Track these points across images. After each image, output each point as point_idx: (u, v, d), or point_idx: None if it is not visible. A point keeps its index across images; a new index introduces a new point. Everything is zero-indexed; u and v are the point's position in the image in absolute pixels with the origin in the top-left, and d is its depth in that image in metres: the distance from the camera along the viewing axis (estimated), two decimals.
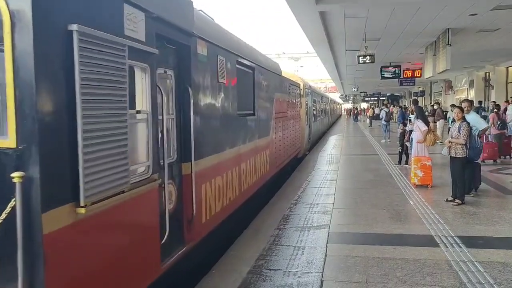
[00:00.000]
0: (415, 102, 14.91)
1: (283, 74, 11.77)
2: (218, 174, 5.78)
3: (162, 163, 4.09)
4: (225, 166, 6.08)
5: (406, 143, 12.50)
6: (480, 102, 21.39)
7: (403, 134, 12.75)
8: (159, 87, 4.04)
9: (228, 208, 6.22)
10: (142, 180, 3.70)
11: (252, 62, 7.91)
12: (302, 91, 15.44)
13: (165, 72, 4.42)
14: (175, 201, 4.54)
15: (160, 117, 4.11)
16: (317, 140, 22.88)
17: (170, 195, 4.39)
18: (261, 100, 8.64)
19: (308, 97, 17.37)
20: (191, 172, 4.74)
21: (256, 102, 8.12)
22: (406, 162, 12.38)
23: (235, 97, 6.60)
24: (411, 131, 12.01)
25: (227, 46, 6.22)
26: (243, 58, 7.22)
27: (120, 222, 3.44)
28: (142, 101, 3.81)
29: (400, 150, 12.80)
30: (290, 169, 13.13)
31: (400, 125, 13.76)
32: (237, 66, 6.80)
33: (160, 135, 4.10)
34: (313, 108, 20.35)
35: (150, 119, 3.83)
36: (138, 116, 3.78)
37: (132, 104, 3.67)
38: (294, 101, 13.51)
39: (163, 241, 4.03)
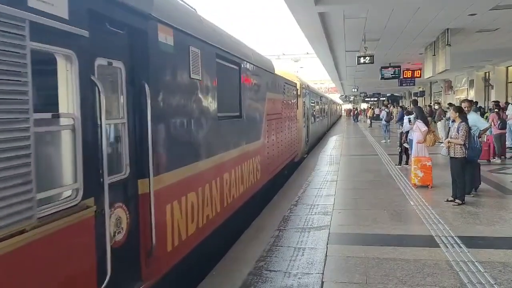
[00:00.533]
0: (415, 103, 14.91)
1: (277, 73, 10.88)
2: (191, 189, 4.77)
3: (102, 182, 3.13)
4: (201, 179, 5.10)
5: (404, 144, 12.53)
6: (476, 103, 21.30)
7: (402, 134, 12.75)
8: (96, 83, 3.08)
9: (206, 229, 5.21)
10: (64, 209, 2.77)
11: (238, 57, 6.96)
12: (299, 91, 14.68)
13: (109, 63, 3.43)
14: (126, 229, 3.57)
15: (99, 122, 3.15)
16: (316, 142, 22.10)
17: (119, 222, 3.46)
18: (250, 101, 7.69)
19: (306, 97, 16.64)
20: (150, 190, 3.74)
21: (243, 102, 7.16)
22: (406, 163, 12.38)
23: (215, 97, 5.63)
24: (407, 132, 12.07)
25: (203, 37, 5.26)
26: (226, 51, 6.24)
27: (24, 275, 2.44)
28: (67, 101, 2.87)
29: (400, 151, 12.81)
30: (287, 173, 12.45)
31: (400, 125, 13.81)
32: (217, 60, 5.81)
33: (100, 145, 3.14)
34: (312, 109, 19.62)
35: (79, 124, 2.89)
36: (59, 121, 2.86)
37: (49, 105, 2.85)
38: (290, 101, 12.68)
39: (103, 286, 3.08)
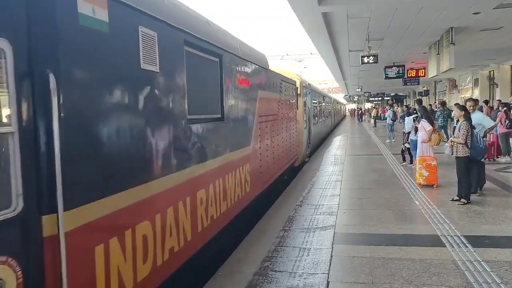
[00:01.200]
0: (419, 102, 14.88)
1: (273, 69, 9.91)
2: (142, 218, 3.56)
3: None
4: (158, 204, 3.86)
5: (405, 144, 12.62)
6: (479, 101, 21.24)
7: (404, 134, 12.92)
8: None
9: (167, 266, 3.98)
10: None
11: (219, 47, 5.69)
12: (298, 90, 13.70)
13: None
14: None
15: None
16: (319, 144, 21.02)
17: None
18: (236, 100, 6.46)
19: (306, 97, 15.67)
20: (58, 231, 2.58)
21: (225, 102, 5.91)
22: (411, 162, 12.39)
23: (183, 94, 4.48)
24: (409, 133, 12.26)
25: (163, 16, 4.06)
26: (200, 39, 5.01)
27: None
28: None
29: (403, 149, 12.93)
30: (287, 178, 11.59)
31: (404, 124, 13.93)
32: (186, 49, 4.63)
33: None
34: (314, 109, 18.62)
35: None
36: None
37: None
38: (288, 101, 11.63)
39: None
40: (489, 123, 9.49)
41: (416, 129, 11.66)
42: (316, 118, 19.80)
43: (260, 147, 7.97)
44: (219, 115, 5.81)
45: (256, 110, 7.72)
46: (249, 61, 7.39)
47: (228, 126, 6.10)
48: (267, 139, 8.56)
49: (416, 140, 11.74)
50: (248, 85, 7.26)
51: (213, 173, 5.34)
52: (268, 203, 8.64)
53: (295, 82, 13.35)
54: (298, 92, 13.62)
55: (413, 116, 12.37)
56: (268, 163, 8.66)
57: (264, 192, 8.32)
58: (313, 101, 18.60)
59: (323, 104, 24.81)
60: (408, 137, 12.37)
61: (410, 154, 12.49)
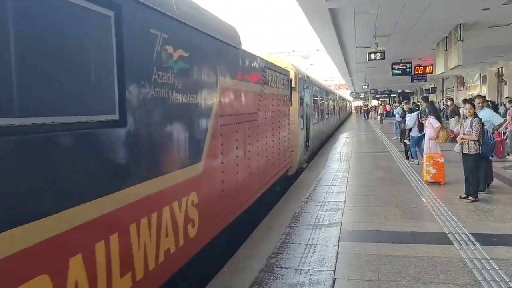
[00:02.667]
0: (425, 99, 14.82)
1: (250, 52, 7.27)
2: None
3: None
4: None
5: (405, 140, 12.83)
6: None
7: (404, 131, 13.08)
8: None
9: None
10: None
11: None
12: (294, 82, 11.43)
13: None
14: None
15: None
16: (321, 146, 18.73)
17: None
18: (157, 89, 3.78)
19: (305, 91, 13.44)
20: None
21: (130, 92, 3.35)
22: (407, 158, 12.86)
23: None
24: (410, 129, 12.34)
25: None
26: None
27: None
28: None
29: (404, 145, 13.22)
30: (279, 188, 9.66)
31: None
32: None
33: None
34: (314, 106, 16.38)
35: None
36: None
37: None
38: (278, 95, 9.20)
39: None
40: (498, 120, 9.41)
41: (419, 126, 11.65)
42: (318, 116, 17.57)
43: (223, 163, 5.40)
44: (114, 116, 3.17)
45: (214, 107, 5.09)
46: (195, 29, 4.67)
47: (135, 135, 3.44)
48: (237, 148, 6.08)
49: (417, 137, 11.88)
50: (197, 67, 4.66)
51: (99, 225, 2.91)
52: (242, 238, 6.18)
53: (289, 72, 10.94)
54: (293, 85, 11.39)
55: (416, 112, 12.41)
56: (238, 183, 6.09)
57: (233, 223, 5.83)
58: (314, 97, 16.40)
59: (326, 100, 22.56)
60: (409, 133, 12.42)
61: (409, 150, 12.77)
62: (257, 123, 7.32)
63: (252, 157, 6.99)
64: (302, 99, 12.65)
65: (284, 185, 10.15)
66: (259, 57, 7.84)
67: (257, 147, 7.34)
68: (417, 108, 13.52)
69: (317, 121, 17.19)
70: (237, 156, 6.13)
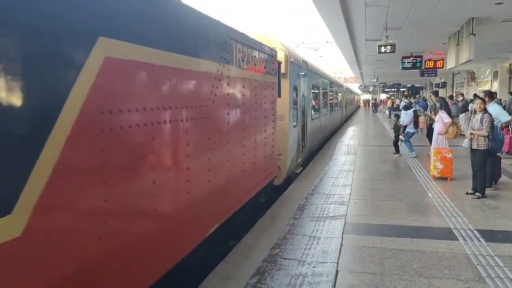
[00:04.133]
0: (436, 93, 14.76)
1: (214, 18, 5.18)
2: None
3: None
4: None
5: (400, 136, 13.20)
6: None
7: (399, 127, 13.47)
8: None
9: None
10: None
11: None
12: (284, 67, 9.12)
13: None
14: None
15: None
16: (321, 145, 16.28)
17: None
18: None
19: (300, 80, 10.94)
20: None
21: None
22: (398, 152, 13.28)
23: None
24: (405, 126, 12.86)
25: None
26: None
27: None
28: None
29: (395, 140, 13.58)
30: (265, 199, 7.98)
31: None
32: None
33: None
34: (314, 97, 14.01)
35: None
36: None
37: None
38: (255, 82, 6.84)
39: None
40: (505, 117, 9.30)
41: (415, 123, 12.54)
42: (319, 110, 15.26)
43: (106, 202, 3.06)
44: None
45: (77, 97, 2.78)
46: None
47: None
48: (157, 168, 3.76)
49: (412, 133, 12.72)
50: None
51: None
52: None
53: (275, 53, 8.31)
54: (283, 71, 9.05)
55: (413, 109, 12.85)
56: (146, 229, 3.63)
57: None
58: (315, 88, 13.96)
59: (331, 92, 19.79)
60: (405, 129, 12.91)
61: (397, 144, 13.38)
62: (209, 121, 4.91)
63: (198, 175, 4.58)
64: (296, 89, 10.29)
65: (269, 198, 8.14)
66: (218, 21, 5.32)
67: (209, 159, 4.86)
68: (411, 104, 13.64)
69: (318, 115, 14.92)
70: (154, 183, 3.64)
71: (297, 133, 10.54)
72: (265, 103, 7.47)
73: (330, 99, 19.81)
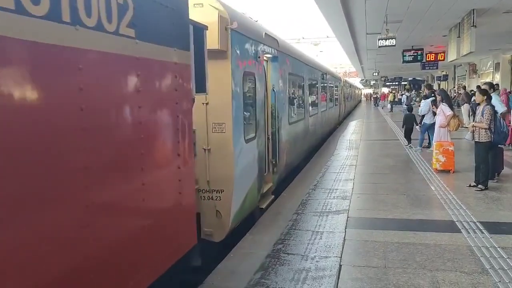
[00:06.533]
0: (429, 87, 14.97)
1: None
2: None
3: None
4: None
5: (416, 127, 13.16)
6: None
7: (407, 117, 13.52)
8: None
9: None
10: None
11: None
12: (220, 38, 5.24)
13: None
14: None
15: None
16: (313, 151, 13.25)
17: None
18: None
19: (267, 66, 7.70)
20: None
21: None
22: (410, 142, 13.33)
23: None
24: (423, 116, 12.55)
25: None
26: None
27: None
28: None
29: (405, 131, 13.61)
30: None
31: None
32: None
33: None
34: (295, 92, 10.61)
35: None
36: None
37: None
38: (124, 61, 3.01)
39: None
40: (500, 109, 9.29)
41: (434, 113, 11.61)
42: (303, 111, 11.70)
43: None
44: None
45: None
46: None
47: None
48: None
49: (428, 124, 11.92)
50: None
51: None
52: None
53: (186, 9, 3.98)
54: (215, 45, 5.18)
55: (431, 98, 12.32)
56: None
57: None
58: (295, 80, 10.42)
59: (323, 86, 16.28)
60: (422, 120, 12.61)
61: (409, 136, 13.36)
62: None
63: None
64: (253, 79, 6.65)
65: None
66: None
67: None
68: (432, 94, 13.32)
69: (302, 116, 11.43)
70: None
71: (257, 150, 6.82)
72: (160, 105, 3.62)
73: (323, 95, 16.22)
